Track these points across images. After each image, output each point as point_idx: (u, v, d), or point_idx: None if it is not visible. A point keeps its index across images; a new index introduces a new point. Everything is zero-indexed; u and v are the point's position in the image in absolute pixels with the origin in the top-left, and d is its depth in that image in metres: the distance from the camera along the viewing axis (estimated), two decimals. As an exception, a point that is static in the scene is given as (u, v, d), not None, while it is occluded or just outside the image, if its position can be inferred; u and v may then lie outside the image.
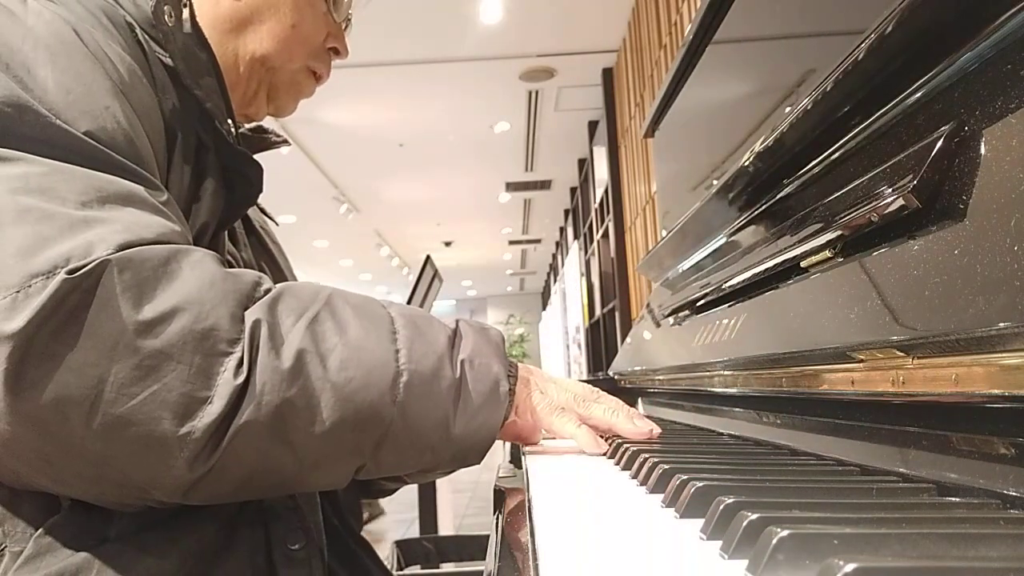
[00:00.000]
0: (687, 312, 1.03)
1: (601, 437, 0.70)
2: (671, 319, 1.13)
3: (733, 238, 0.92)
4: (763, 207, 0.79)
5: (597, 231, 5.42)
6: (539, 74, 4.69)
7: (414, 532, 2.90)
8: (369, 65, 4.38)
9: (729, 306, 0.83)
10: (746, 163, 0.78)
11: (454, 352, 0.61)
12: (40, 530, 0.54)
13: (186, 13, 0.68)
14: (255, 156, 0.76)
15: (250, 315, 0.54)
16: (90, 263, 0.48)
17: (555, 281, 10.40)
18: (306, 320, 0.56)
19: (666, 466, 0.50)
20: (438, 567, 1.76)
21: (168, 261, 0.51)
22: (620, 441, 0.67)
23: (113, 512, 0.56)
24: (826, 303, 0.56)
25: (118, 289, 0.48)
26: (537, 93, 5.03)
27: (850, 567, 0.24)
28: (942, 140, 0.44)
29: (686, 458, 0.59)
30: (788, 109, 0.71)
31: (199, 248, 0.55)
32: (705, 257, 1.05)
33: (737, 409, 0.82)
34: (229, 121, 0.72)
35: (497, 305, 17.70)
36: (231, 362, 0.51)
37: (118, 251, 0.49)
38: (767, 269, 0.68)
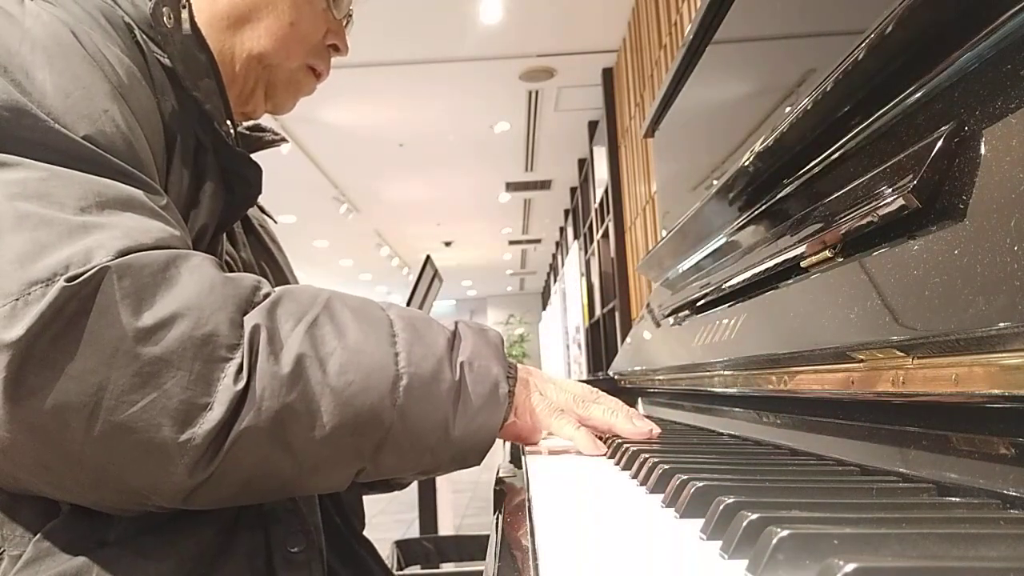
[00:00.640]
0: (687, 312, 1.03)
1: (600, 438, 0.70)
2: (671, 319, 1.13)
3: (733, 238, 0.92)
4: (763, 207, 0.79)
5: (597, 231, 5.42)
6: (539, 74, 4.69)
7: (414, 532, 2.90)
8: (369, 65, 4.38)
9: (729, 306, 0.83)
10: (746, 163, 0.78)
11: (453, 354, 0.61)
12: (39, 534, 0.54)
13: (185, 14, 0.68)
14: (254, 156, 0.76)
15: (249, 320, 0.53)
16: (89, 270, 0.48)
17: (555, 281, 10.41)
18: (305, 324, 0.56)
19: (666, 466, 0.50)
20: (438, 567, 1.76)
21: (167, 267, 0.51)
22: (620, 441, 0.67)
23: (112, 516, 0.56)
24: (826, 303, 0.56)
25: (117, 296, 0.48)
26: (537, 93, 5.04)
27: (850, 567, 0.24)
28: (942, 140, 0.44)
29: (686, 458, 0.59)
30: (788, 109, 0.71)
31: (198, 253, 0.55)
32: (705, 257, 1.05)
33: (737, 409, 0.82)
34: (228, 122, 0.72)
35: (497, 305, 17.69)
36: (231, 368, 0.51)
37: (117, 257, 0.49)
38: (767, 269, 0.68)
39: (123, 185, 0.54)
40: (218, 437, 0.50)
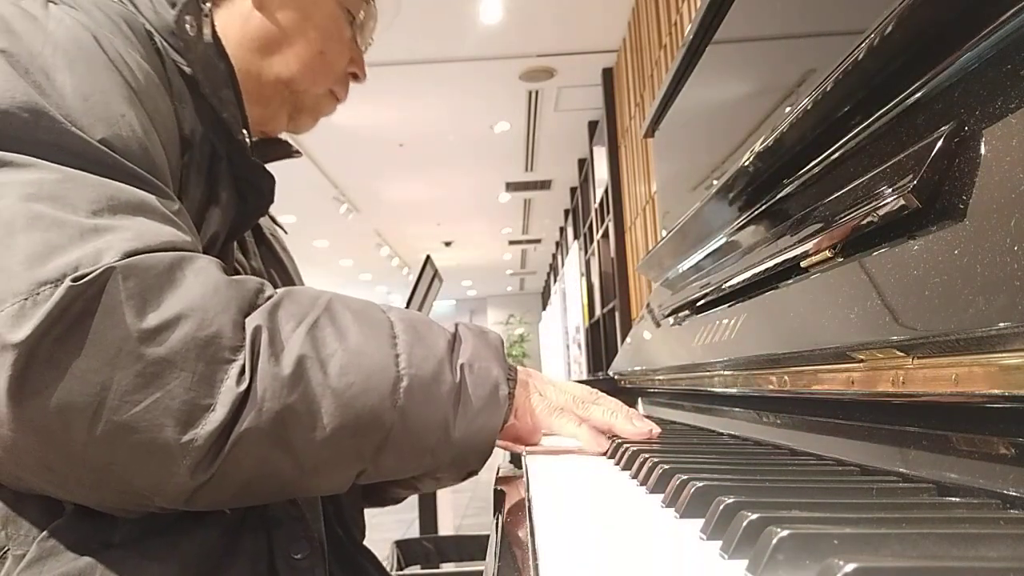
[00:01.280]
0: (687, 312, 1.03)
1: None
2: (671, 319, 1.13)
3: (733, 238, 0.92)
4: (763, 207, 0.79)
5: (597, 231, 5.42)
6: (539, 74, 4.69)
7: (414, 532, 2.90)
8: (369, 65, 4.34)
9: (729, 306, 0.83)
10: (746, 163, 0.78)
11: (454, 356, 0.61)
12: (44, 533, 0.54)
13: (207, 26, 0.69)
14: (267, 166, 0.77)
15: (251, 322, 0.54)
16: (96, 270, 0.48)
17: (555, 281, 10.40)
18: (306, 326, 0.56)
19: (666, 466, 0.50)
20: (438, 567, 1.76)
21: (172, 268, 0.52)
22: (620, 441, 0.67)
23: (116, 517, 0.56)
24: (826, 303, 0.56)
25: (122, 296, 0.48)
26: (537, 93, 5.03)
27: (850, 567, 0.24)
28: (942, 140, 0.44)
29: (686, 458, 0.59)
30: (788, 109, 0.71)
31: (204, 255, 0.55)
32: (705, 257, 1.05)
33: (737, 409, 0.82)
34: (244, 131, 0.72)
35: (497, 305, 17.69)
36: (234, 369, 0.51)
37: (124, 258, 0.49)
38: (767, 269, 0.68)
39: (136, 189, 0.55)
40: (220, 438, 0.50)
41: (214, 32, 0.69)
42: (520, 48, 4.37)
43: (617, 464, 0.62)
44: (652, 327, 1.29)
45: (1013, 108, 0.40)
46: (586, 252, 6.30)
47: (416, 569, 1.74)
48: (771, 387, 0.65)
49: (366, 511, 0.89)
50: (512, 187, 7.49)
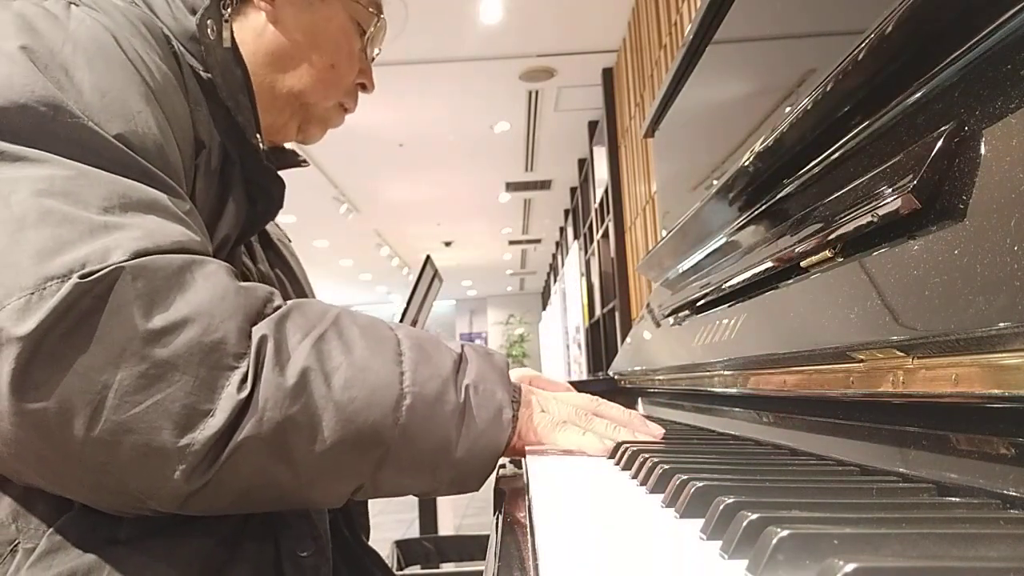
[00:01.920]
0: (687, 312, 1.03)
1: None
2: (671, 319, 1.13)
3: (733, 238, 0.92)
4: (763, 207, 0.79)
5: (597, 231, 5.42)
6: (539, 74, 4.69)
7: (414, 532, 2.90)
8: (369, 65, 4.38)
9: (729, 306, 0.83)
10: (746, 163, 0.78)
11: (459, 376, 0.61)
12: (52, 528, 0.55)
13: (227, 31, 0.70)
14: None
15: (257, 331, 0.54)
16: (104, 268, 0.48)
17: (555, 281, 10.40)
18: (312, 338, 0.56)
19: (666, 466, 0.50)
20: (438, 567, 1.77)
21: (182, 271, 0.52)
22: (620, 441, 0.67)
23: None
24: (826, 303, 0.56)
25: (130, 296, 0.48)
26: (537, 93, 5.03)
27: (850, 567, 0.24)
28: (942, 140, 0.44)
29: (686, 458, 0.59)
30: (788, 109, 0.71)
31: (214, 260, 0.55)
32: (705, 257, 1.05)
33: (737, 409, 0.82)
34: (257, 135, 0.73)
35: (497, 305, 17.69)
36: (236, 376, 0.51)
37: (133, 258, 0.49)
38: (767, 269, 0.68)
39: (148, 187, 0.55)
40: (217, 444, 0.50)
41: (233, 39, 0.70)
42: (520, 48, 4.37)
43: (617, 464, 0.62)
44: (652, 327, 1.29)
45: (1013, 108, 0.40)
46: (586, 252, 6.30)
47: (416, 569, 1.74)
48: (771, 387, 0.65)
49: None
50: (512, 187, 7.49)
